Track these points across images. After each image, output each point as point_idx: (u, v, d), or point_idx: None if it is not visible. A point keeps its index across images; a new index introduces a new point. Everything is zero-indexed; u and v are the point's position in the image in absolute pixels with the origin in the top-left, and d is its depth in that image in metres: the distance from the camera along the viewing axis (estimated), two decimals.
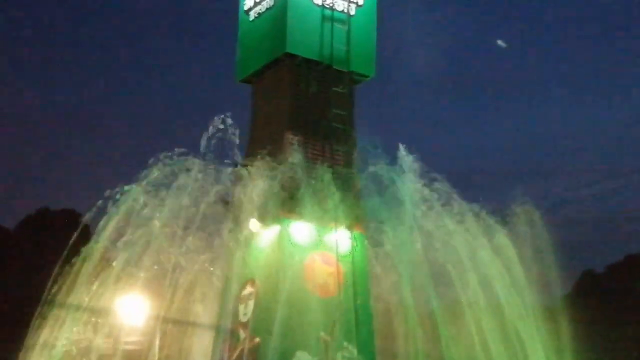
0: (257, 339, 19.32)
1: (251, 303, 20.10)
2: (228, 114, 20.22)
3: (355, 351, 19.63)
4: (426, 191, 21.16)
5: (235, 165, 20.86)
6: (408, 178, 20.90)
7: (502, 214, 21.82)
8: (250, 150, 21.68)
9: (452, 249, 20.80)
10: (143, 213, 19.76)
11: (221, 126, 20.25)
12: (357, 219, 20.86)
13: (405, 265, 20.64)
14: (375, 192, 21.05)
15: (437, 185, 21.10)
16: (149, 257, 19.96)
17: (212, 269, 21.25)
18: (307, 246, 20.37)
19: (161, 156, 20.02)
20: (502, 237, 21.49)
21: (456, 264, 20.72)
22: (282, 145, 20.88)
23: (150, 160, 20.08)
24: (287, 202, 20.08)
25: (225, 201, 20.37)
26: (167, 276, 20.04)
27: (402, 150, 21.01)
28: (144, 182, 19.90)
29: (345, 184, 20.87)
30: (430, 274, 20.23)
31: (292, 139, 20.91)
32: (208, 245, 20.79)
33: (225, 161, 20.45)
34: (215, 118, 20.24)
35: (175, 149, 20.08)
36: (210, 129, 20.13)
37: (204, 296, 21.42)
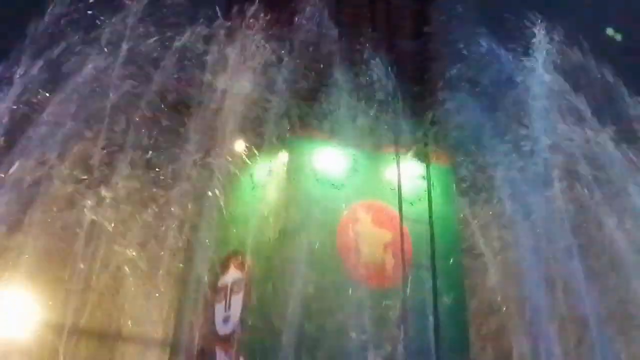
0: None
1: (238, 299, 12.55)
2: None
3: None
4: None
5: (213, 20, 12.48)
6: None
7: None
8: None
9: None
10: None
11: None
12: (439, 141, 12.88)
13: (533, 234, 12.31)
14: (475, 92, 12.72)
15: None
16: (36, 212, 11.41)
17: (156, 235, 12.34)
18: (344, 190, 12.60)
19: None
20: None
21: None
22: None
23: None
24: (308, 110, 12.44)
25: (183, 104, 12.04)
26: (74, 254, 11.22)
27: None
28: None
29: (414, 74, 13.18)
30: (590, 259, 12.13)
31: None
32: (148, 190, 11.99)
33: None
34: None
35: None
36: None
37: (148, 294, 12.67)
